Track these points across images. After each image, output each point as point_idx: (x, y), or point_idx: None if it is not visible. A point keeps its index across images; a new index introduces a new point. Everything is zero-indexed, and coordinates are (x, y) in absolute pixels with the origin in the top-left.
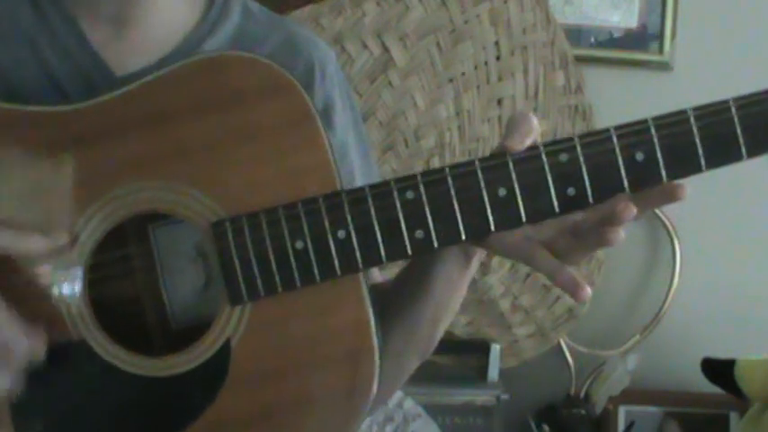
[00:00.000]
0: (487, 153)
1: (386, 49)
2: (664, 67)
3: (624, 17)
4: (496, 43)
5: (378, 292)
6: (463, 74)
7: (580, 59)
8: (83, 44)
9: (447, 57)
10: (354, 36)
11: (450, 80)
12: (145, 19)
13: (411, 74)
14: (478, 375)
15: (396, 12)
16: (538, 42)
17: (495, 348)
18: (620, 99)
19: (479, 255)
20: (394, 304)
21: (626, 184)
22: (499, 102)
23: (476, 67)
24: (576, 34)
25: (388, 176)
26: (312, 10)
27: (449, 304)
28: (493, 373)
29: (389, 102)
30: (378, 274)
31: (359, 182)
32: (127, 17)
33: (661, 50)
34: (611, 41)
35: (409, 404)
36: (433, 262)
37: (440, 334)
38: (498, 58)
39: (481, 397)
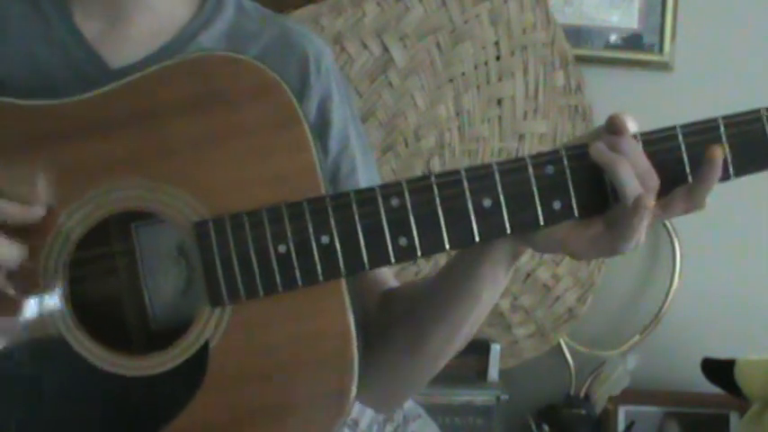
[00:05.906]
0: (487, 153)
1: (386, 49)
2: (663, 67)
3: (624, 17)
4: (496, 43)
5: (407, 293)
6: (463, 74)
7: (580, 59)
8: (77, 37)
9: (447, 57)
10: (354, 36)
11: (450, 80)
12: (140, 13)
13: (411, 74)
14: (478, 375)
15: (396, 12)
16: (538, 42)
17: (495, 348)
18: (620, 99)
19: (526, 253)
20: (434, 306)
21: (611, 199)
22: (499, 102)
23: (476, 67)
24: (575, 34)
25: (388, 177)
26: (312, 10)
27: (491, 303)
28: (493, 373)
29: (389, 102)
30: (392, 278)
31: (360, 176)
32: (122, 11)
33: (661, 51)
34: (611, 41)
35: (409, 404)
36: (482, 263)
37: (474, 332)
38: (498, 58)
39: (481, 397)
